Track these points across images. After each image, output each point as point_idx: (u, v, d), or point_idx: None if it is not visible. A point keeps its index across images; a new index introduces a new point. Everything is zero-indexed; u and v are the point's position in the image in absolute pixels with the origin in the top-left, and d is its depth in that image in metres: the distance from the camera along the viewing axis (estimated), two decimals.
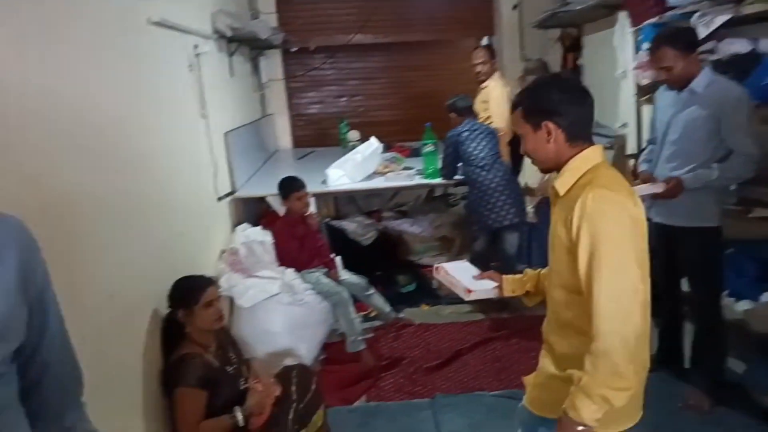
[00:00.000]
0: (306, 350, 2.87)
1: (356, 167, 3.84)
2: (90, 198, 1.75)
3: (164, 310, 2.21)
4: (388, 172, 4.02)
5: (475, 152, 3.45)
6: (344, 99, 6.38)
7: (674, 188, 2.36)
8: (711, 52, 2.71)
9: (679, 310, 2.77)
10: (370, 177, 3.94)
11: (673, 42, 2.33)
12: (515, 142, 4.12)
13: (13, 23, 1.44)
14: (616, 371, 1.24)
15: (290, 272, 3.05)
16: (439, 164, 3.70)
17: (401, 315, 3.63)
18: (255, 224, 3.55)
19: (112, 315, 1.81)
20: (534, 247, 4.14)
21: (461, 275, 1.77)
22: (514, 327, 3.49)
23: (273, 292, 2.86)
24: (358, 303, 3.40)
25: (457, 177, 3.68)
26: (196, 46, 3.06)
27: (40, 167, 1.49)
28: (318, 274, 3.18)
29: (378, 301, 3.45)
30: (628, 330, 1.25)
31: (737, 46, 2.63)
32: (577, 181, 1.37)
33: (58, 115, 1.60)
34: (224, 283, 2.81)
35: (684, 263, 2.60)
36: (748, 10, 2.38)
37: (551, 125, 1.37)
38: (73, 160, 1.67)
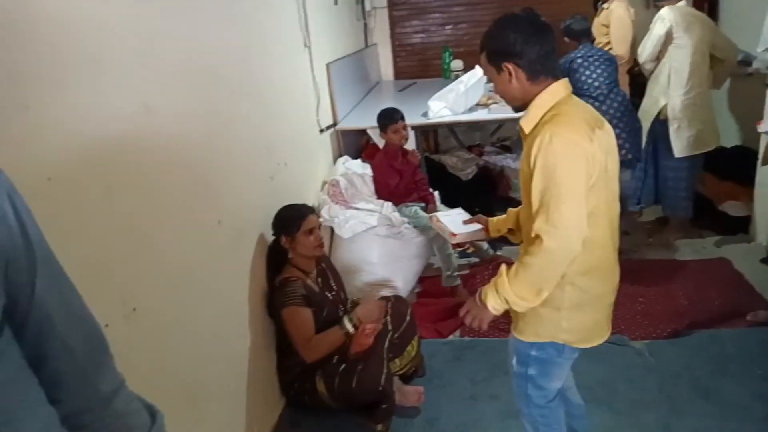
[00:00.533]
0: (402, 282, 2.91)
1: (458, 98, 3.70)
2: (201, 127, 1.82)
3: (269, 235, 2.31)
4: (492, 104, 3.85)
5: (589, 80, 3.18)
6: (448, 27, 6.11)
7: None
8: None
9: None
10: (472, 109, 3.80)
11: None
12: (639, 71, 3.78)
13: None
14: (530, 285, 1.38)
15: (388, 205, 3.06)
16: None
17: (499, 252, 3.56)
18: (356, 157, 3.59)
19: (221, 241, 1.91)
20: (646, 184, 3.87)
21: (451, 222, 1.85)
22: (621, 270, 3.31)
23: (371, 224, 2.90)
24: None
25: None
26: None
27: (153, 95, 1.55)
28: (416, 208, 3.17)
29: None
30: (558, 256, 1.35)
31: None
32: (542, 117, 1.42)
33: (167, 48, 1.65)
34: (325, 213, 2.89)
35: None
36: None
37: (510, 66, 1.42)
38: (184, 91, 1.74)
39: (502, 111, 3.73)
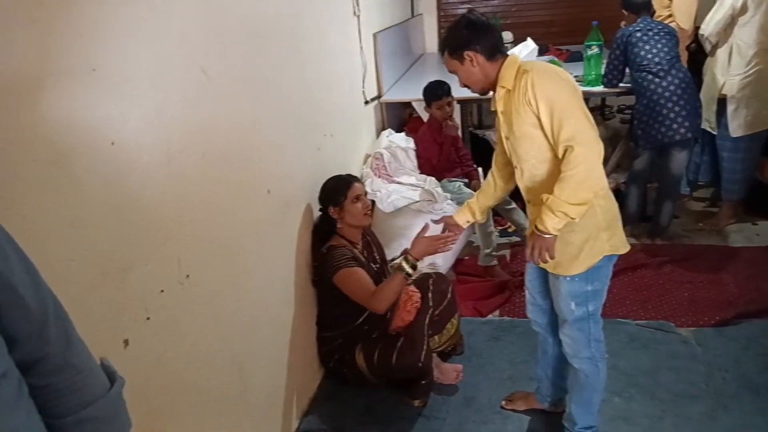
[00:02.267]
0: (442, 259, 2.88)
1: None
2: (253, 94, 1.82)
3: (315, 206, 2.32)
4: None
5: (649, 56, 3.03)
6: None
7: None
8: None
9: None
10: None
11: None
12: (696, 47, 3.60)
13: None
14: (581, 188, 1.56)
15: (431, 180, 3.02)
16: (603, 69, 3.34)
17: None
18: (399, 130, 3.54)
19: (270, 210, 1.93)
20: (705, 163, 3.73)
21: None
22: (668, 255, 3.22)
23: (414, 199, 2.87)
24: (497, 217, 3.32)
25: (622, 85, 3.31)
26: None
27: (210, 60, 1.55)
28: (459, 184, 3.13)
29: (518, 216, 3.33)
30: (592, 158, 1.56)
31: None
32: (516, 75, 1.67)
33: (221, 9, 1.64)
34: (368, 187, 2.86)
35: None
36: None
37: (470, 53, 1.70)
38: (238, 57, 1.73)
39: None
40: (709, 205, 3.81)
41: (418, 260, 2.06)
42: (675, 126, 3.00)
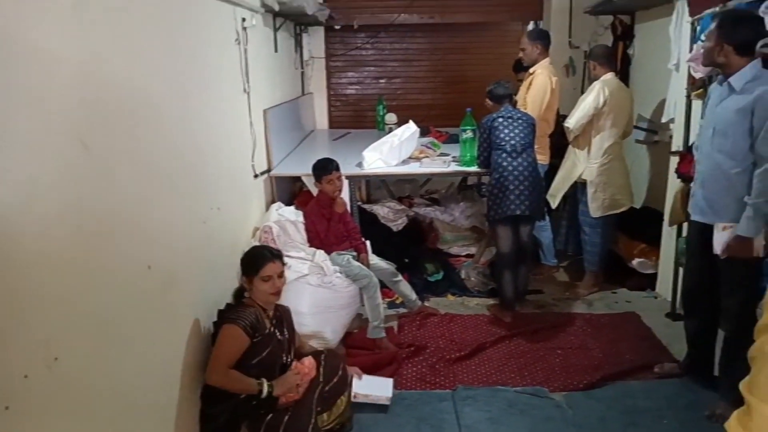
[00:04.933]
0: (331, 333, 2.89)
1: (392, 151, 3.81)
2: (134, 167, 1.78)
3: (201, 281, 2.26)
4: (424, 157, 4.00)
5: (507, 138, 3.39)
6: (383, 80, 6.34)
7: (738, 249, 2.35)
8: None
9: (713, 314, 2.71)
10: (405, 162, 3.92)
11: (729, 38, 2.31)
12: (556, 135, 4.06)
13: None
14: None
15: (320, 254, 3.07)
16: (477, 151, 3.67)
17: (427, 303, 3.63)
18: (289, 203, 3.59)
19: (151, 286, 1.85)
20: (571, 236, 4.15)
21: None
22: (541, 323, 3.47)
23: (302, 273, 2.89)
24: (384, 289, 3.41)
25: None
26: (243, 20, 3.07)
27: (83, 129, 1.50)
28: (348, 257, 3.19)
29: (405, 288, 3.45)
30: None
31: None
32: None
33: (104, 81, 1.62)
34: None
35: (720, 264, 2.52)
36: None
37: None
38: (120, 128, 1.69)
39: (433, 165, 3.88)
40: (575, 275, 4.18)
41: (279, 396, 2.13)
42: (518, 202, 3.34)
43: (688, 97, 3.34)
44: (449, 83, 6.29)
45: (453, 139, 4.49)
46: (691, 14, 3.17)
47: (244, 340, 2.11)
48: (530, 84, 3.91)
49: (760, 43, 2.53)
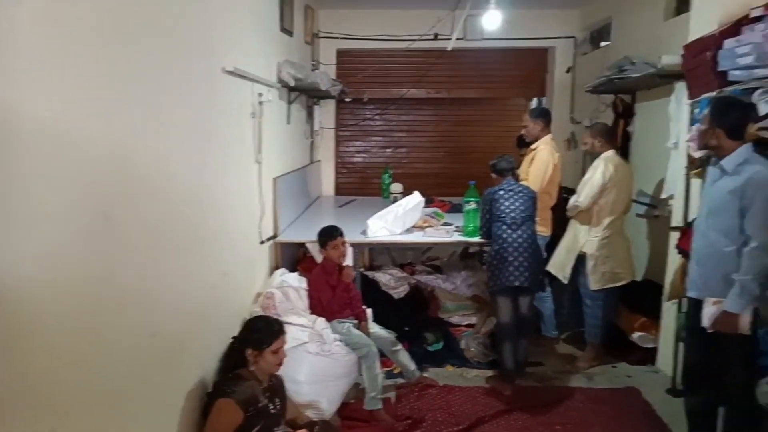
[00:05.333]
0: (327, 403, 2.88)
1: (397, 220, 3.91)
2: (150, 234, 1.86)
3: (210, 347, 2.30)
4: (427, 226, 4.09)
5: (507, 210, 3.49)
6: (390, 149, 6.55)
7: (725, 324, 2.41)
8: None
9: (714, 392, 2.69)
10: (409, 230, 4.01)
11: (721, 123, 2.45)
12: (557, 208, 4.16)
13: (112, 69, 1.59)
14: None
15: (321, 321, 3.11)
16: (479, 222, 3.76)
17: (425, 374, 3.62)
18: (293, 269, 3.65)
19: (156, 354, 1.89)
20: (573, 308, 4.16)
21: None
22: (541, 398, 3.43)
23: (302, 340, 2.92)
24: (383, 358, 3.41)
25: None
26: (260, 94, 3.25)
27: (107, 203, 1.60)
28: (349, 325, 3.23)
29: (404, 358, 3.45)
30: None
31: None
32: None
33: (131, 155, 1.74)
34: None
35: (718, 341, 2.54)
36: None
37: None
38: (144, 201, 1.80)
39: (436, 235, 3.97)
40: (576, 348, 4.16)
41: None
42: (517, 273, 3.39)
43: (687, 175, 3.44)
44: (454, 154, 6.49)
45: (456, 209, 4.59)
46: (690, 97, 3.29)
47: (239, 415, 2.12)
48: (533, 159, 4.05)
49: (755, 126, 2.66)
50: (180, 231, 2.14)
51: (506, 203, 3.51)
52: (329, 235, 3.31)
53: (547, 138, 4.08)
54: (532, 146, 4.12)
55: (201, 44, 2.33)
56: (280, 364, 2.31)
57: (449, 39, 4.87)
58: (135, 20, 1.74)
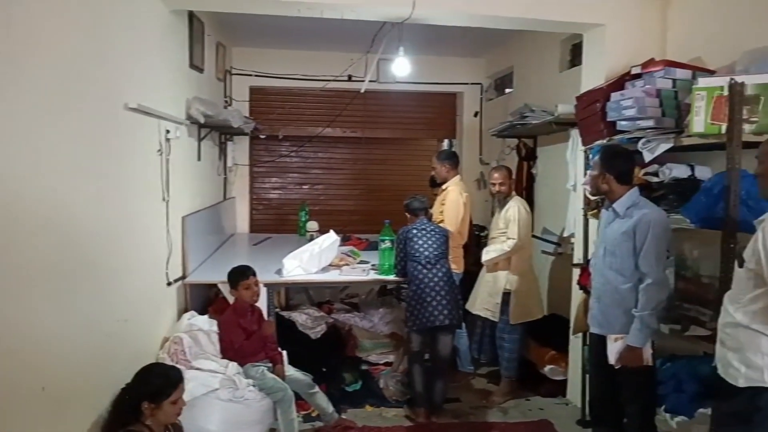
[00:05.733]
0: None
1: (312, 259, 3.87)
2: (27, 284, 1.72)
3: (102, 403, 2.13)
4: (343, 265, 4.07)
5: (421, 249, 3.57)
6: (306, 186, 6.53)
7: (629, 358, 2.56)
8: (655, 174, 2.93)
9: (619, 422, 2.81)
10: (325, 269, 3.97)
11: (610, 170, 2.65)
12: (469, 246, 4.29)
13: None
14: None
15: (233, 366, 2.98)
16: (394, 261, 3.79)
17: (344, 416, 3.55)
18: (203, 312, 3.50)
19: (44, 408, 1.73)
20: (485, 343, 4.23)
21: None
22: None
23: (213, 387, 2.78)
24: (300, 401, 3.31)
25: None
26: (168, 131, 3.14)
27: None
28: (263, 369, 3.11)
29: (321, 400, 3.37)
30: None
31: (678, 171, 2.85)
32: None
33: (17, 188, 1.61)
34: None
35: (622, 373, 2.68)
36: (686, 141, 2.64)
37: None
38: (21, 233, 1.66)
39: (352, 273, 3.96)
40: (489, 382, 4.24)
41: None
42: (436, 313, 3.46)
43: (585, 215, 3.67)
44: (370, 191, 6.57)
45: (373, 246, 4.60)
46: (583, 144, 3.53)
47: None
48: (443, 199, 4.17)
49: (642, 171, 2.90)
50: (76, 273, 1.99)
51: (420, 242, 3.59)
52: (241, 274, 3.21)
53: (456, 179, 4.24)
54: (443, 186, 4.26)
55: (101, 81, 2.24)
56: (178, 414, 2.18)
57: (363, 81, 4.97)
58: (28, 56, 1.64)
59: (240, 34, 5.27)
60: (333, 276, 3.94)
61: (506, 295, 3.93)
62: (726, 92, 2.36)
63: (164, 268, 3.18)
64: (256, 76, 5.77)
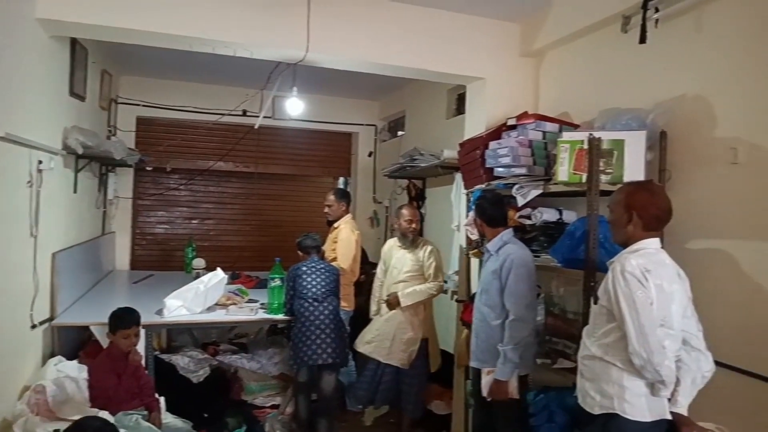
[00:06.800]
0: None
1: (197, 298, 3.72)
2: None
3: None
4: (231, 304, 3.95)
5: (309, 286, 3.58)
6: (195, 221, 6.31)
7: (497, 391, 2.72)
8: (528, 217, 3.15)
9: None
10: (211, 309, 3.83)
11: (481, 215, 2.92)
12: (360, 284, 4.34)
13: None
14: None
15: (104, 415, 2.76)
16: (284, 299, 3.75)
17: None
18: (73, 356, 3.23)
19: None
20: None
21: None
22: None
23: None
24: None
25: None
26: (40, 162, 2.94)
27: None
28: (137, 417, 2.90)
29: None
30: None
31: (548, 214, 3.10)
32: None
33: None
34: (18, 429, 2.46)
35: (495, 405, 2.81)
36: (554, 188, 2.89)
37: None
38: None
39: (239, 313, 3.85)
40: (379, 420, 4.25)
41: None
42: (320, 351, 3.47)
43: (467, 254, 3.86)
44: (263, 228, 6.48)
45: (263, 284, 4.51)
46: (466, 187, 3.74)
47: None
48: (335, 237, 4.21)
49: (517, 214, 3.12)
50: None
51: (309, 279, 3.60)
52: (122, 321, 2.98)
53: (347, 217, 4.32)
54: (335, 224, 4.31)
55: None
56: None
57: (258, 116, 4.96)
58: None
59: (128, 62, 5.08)
60: (219, 316, 3.80)
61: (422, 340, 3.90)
62: (586, 146, 2.63)
63: (29, 309, 2.92)
64: (144, 106, 5.55)
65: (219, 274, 3.91)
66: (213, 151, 5.97)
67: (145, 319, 3.29)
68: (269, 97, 4.88)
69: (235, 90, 5.53)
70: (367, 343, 3.93)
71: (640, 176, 2.52)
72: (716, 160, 2.48)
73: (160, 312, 3.61)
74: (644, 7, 2.72)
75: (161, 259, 5.91)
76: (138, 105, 5.52)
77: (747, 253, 2.36)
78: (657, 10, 2.72)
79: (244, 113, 5.61)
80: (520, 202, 3.02)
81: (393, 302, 3.86)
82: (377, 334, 3.91)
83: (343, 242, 4.15)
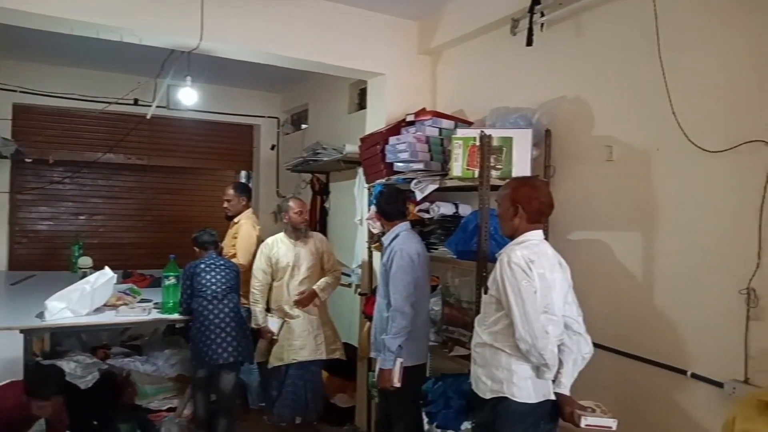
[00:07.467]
0: None
1: (83, 299, 3.47)
2: None
3: None
4: (121, 305, 3.74)
5: (208, 284, 3.47)
6: (83, 217, 5.91)
7: (382, 379, 2.75)
8: (426, 211, 3.23)
9: None
10: (99, 310, 3.60)
11: (378, 210, 3.00)
12: None
13: None
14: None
15: None
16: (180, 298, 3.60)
17: None
18: None
19: None
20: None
21: None
22: None
23: None
24: None
25: None
26: None
27: None
28: None
29: None
30: None
31: (445, 208, 3.18)
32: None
33: None
34: None
35: (390, 394, 2.87)
36: (449, 183, 2.98)
37: None
38: None
39: (131, 313, 3.65)
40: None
41: None
42: (220, 350, 3.38)
43: (369, 248, 3.90)
44: (159, 224, 6.19)
45: (158, 283, 4.31)
46: (367, 182, 3.77)
47: None
48: (236, 232, 4.10)
49: (416, 208, 3.20)
50: None
51: (207, 276, 3.49)
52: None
53: (248, 212, 4.21)
54: (235, 220, 4.19)
55: None
56: None
57: (150, 106, 4.70)
58: None
59: (3, 45, 4.63)
60: (108, 317, 3.58)
61: None
62: (478, 142, 2.74)
63: None
64: (21, 92, 5.08)
65: (107, 273, 3.68)
66: (101, 142, 5.58)
67: (23, 322, 3.06)
68: (163, 85, 4.64)
69: (125, 77, 5.19)
70: (301, 348, 3.64)
71: (527, 172, 2.68)
72: (594, 157, 2.68)
73: (41, 315, 3.34)
74: (531, 11, 2.88)
75: (45, 258, 5.48)
76: (14, 91, 5.05)
77: (620, 243, 2.58)
78: (543, 15, 2.88)
79: (136, 102, 5.28)
80: (419, 196, 3.10)
81: (308, 299, 3.67)
82: (306, 336, 3.66)
83: (243, 238, 4.04)
